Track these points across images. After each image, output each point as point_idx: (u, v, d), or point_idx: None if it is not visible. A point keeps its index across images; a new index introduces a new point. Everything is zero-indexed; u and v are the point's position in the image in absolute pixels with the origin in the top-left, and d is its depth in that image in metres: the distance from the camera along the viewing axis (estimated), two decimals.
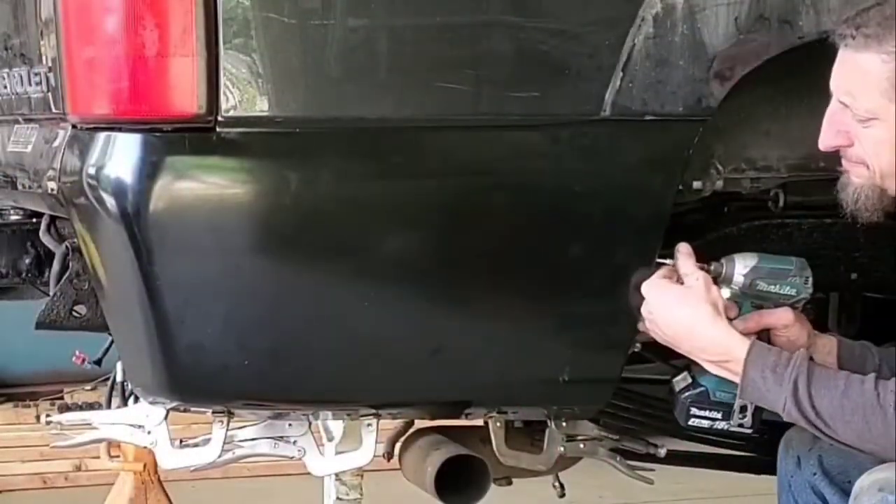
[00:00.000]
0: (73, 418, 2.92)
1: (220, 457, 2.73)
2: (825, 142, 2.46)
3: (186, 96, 2.34)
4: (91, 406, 3.23)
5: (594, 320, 2.59)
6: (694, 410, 2.60)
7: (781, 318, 2.57)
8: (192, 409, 2.66)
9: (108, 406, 2.95)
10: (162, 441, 2.73)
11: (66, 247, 2.71)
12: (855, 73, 2.38)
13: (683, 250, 2.55)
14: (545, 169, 2.51)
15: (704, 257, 2.57)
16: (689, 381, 2.60)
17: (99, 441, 3.03)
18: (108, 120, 2.40)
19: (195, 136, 2.37)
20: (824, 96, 2.57)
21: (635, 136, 2.50)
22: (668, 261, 2.54)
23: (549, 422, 2.84)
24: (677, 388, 2.62)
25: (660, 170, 2.52)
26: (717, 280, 2.55)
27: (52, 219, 2.87)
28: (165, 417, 2.72)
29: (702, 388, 2.58)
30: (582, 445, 2.92)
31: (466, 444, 3.09)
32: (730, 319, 2.51)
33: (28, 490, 5.71)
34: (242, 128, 2.39)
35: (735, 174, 2.68)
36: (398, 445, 3.26)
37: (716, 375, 2.52)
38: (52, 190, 2.51)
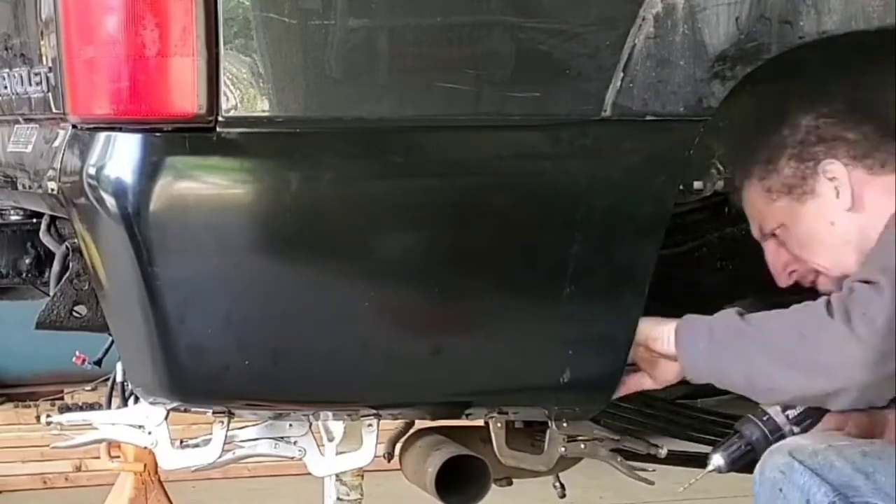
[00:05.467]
0: (73, 419, 2.92)
1: (220, 457, 2.73)
2: (782, 282, 2.62)
3: (186, 96, 2.34)
4: (91, 406, 3.23)
5: (595, 320, 2.59)
6: None
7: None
8: (193, 409, 2.66)
9: (109, 406, 2.95)
10: (162, 441, 2.73)
11: (67, 247, 2.71)
12: (748, 209, 2.62)
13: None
14: (545, 169, 2.51)
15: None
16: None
17: (99, 441, 3.03)
18: (108, 120, 2.39)
19: (195, 136, 2.37)
20: (824, 96, 2.57)
21: (636, 136, 2.50)
22: None
23: (549, 422, 2.84)
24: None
25: (660, 170, 2.52)
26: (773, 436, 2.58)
27: (53, 219, 2.87)
28: (166, 418, 2.72)
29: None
30: (583, 446, 2.92)
31: (467, 445, 3.09)
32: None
33: (28, 490, 5.72)
34: (243, 128, 2.38)
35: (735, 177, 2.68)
36: (399, 446, 3.26)
37: None
38: (53, 190, 2.51)
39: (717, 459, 2.63)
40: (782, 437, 2.56)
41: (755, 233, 2.64)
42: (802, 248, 2.56)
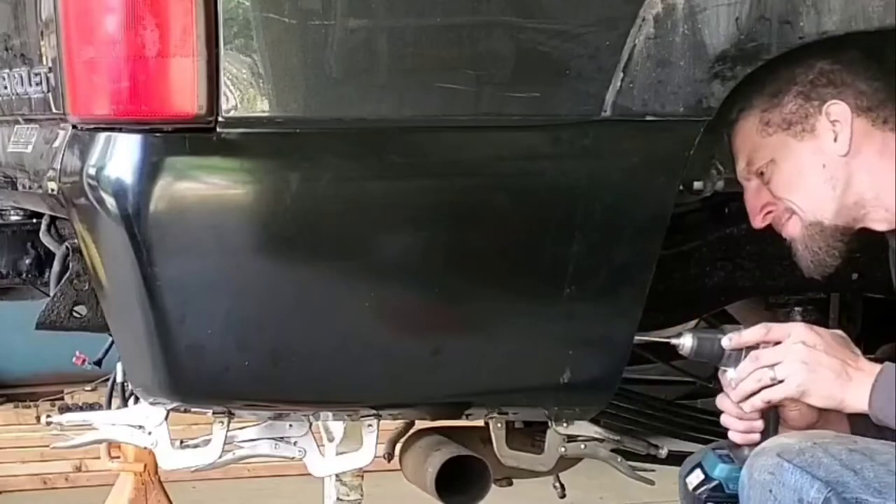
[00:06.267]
0: (73, 419, 2.92)
1: (220, 457, 2.73)
2: (757, 223, 2.61)
3: (186, 97, 2.34)
4: (91, 407, 3.23)
5: (595, 321, 2.59)
6: None
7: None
8: (193, 409, 2.66)
9: (109, 407, 2.95)
10: (162, 442, 2.73)
11: (67, 247, 2.71)
12: (737, 144, 2.60)
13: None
14: (545, 169, 2.51)
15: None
16: (703, 476, 2.60)
17: (99, 442, 3.03)
18: (108, 120, 2.39)
19: (195, 136, 2.37)
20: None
21: (636, 137, 2.50)
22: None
23: (549, 422, 2.84)
24: (691, 486, 2.61)
25: (661, 170, 2.52)
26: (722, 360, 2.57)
27: (53, 219, 2.87)
28: (166, 418, 2.72)
29: (715, 482, 2.59)
30: (583, 446, 2.92)
31: (467, 445, 3.09)
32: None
33: (28, 491, 5.71)
34: (243, 128, 2.38)
35: (736, 174, 2.68)
36: (399, 446, 3.26)
37: (726, 465, 2.55)
38: (53, 190, 2.51)
39: (688, 339, 2.59)
40: (719, 361, 2.57)
41: (740, 170, 2.61)
42: (786, 185, 2.56)
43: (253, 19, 2.36)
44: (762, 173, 2.58)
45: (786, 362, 2.47)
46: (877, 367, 2.46)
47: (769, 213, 2.60)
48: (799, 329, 2.50)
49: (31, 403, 6.18)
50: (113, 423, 2.80)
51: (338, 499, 3.23)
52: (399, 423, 3.27)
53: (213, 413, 2.69)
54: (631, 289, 2.56)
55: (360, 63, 2.40)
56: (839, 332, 2.55)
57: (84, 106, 2.42)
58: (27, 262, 3.14)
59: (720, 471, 2.58)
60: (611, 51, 2.45)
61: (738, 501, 2.49)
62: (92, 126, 2.42)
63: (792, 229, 2.58)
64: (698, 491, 2.60)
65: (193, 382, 2.51)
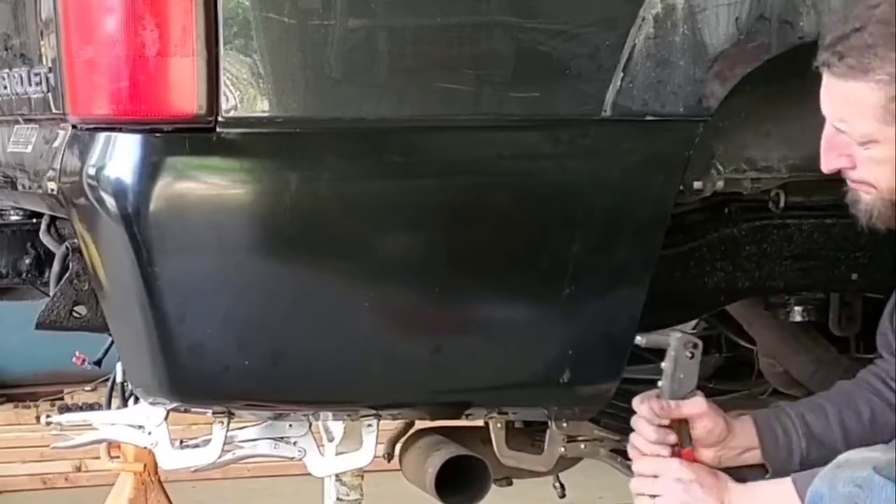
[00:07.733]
0: (73, 419, 2.92)
1: (220, 457, 2.73)
2: (827, 165, 2.41)
3: (186, 96, 2.34)
4: (91, 407, 3.23)
5: (595, 321, 2.59)
6: None
7: (695, 408, 2.50)
8: (193, 409, 2.67)
9: (109, 407, 2.95)
10: (162, 442, 2.73)
11: (67, 247, 2.71)
12: (844, 101, 2.33)
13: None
14: (545, 169, 2.51)
15: None
16: None
17: (99, 442, 3.03)
18: (108, 120, 2.40)
19: (195, 136, 2.37)
20: None
21: (636, 137, 2.50)
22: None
23: (549, 422, 2.84)
24: None
25: (660, 170, 2.52)
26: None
27: (53, 219, 2.87)
28: (166, 418, 2.72)
29: None
30: (583, 446, 2.92)
31: (467, 445, 3.09)
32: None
33: (28, 490, 5.71)
34: (243, 128, 2.39)
35: (735, 174, 2.68)
36: (399, 446, 3.26)
37: None
38: (52, 190, 2.51)
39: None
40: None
41: (830, 117, 2.37)
42: (876, 165, 2.36)
43: (253, 19, 2.36)
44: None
45: (665, 498, 2.46)
46: (747, 488, 2.45)
47: (846, 157, 2.38)
48: (675, 465, 2.47)
49: (31, 403, 6.18)
50: (113, 423, 2.81)
51: (338, 499, 3.23)
52: (399, 423, 3.27)
53: (213, 413, 2.69)
54: (631, 289, 2.56)
55: (360, 63, 2.40)
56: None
57: (84, 106, 2.42)
58: (27, 262, 3.15)
59: None
60: (611, 50, 2.45)
61: None
62: (92, 126, 2.42)
63: (864, 191, 2.40)
64: None
65: (193, 382, 2.51)
